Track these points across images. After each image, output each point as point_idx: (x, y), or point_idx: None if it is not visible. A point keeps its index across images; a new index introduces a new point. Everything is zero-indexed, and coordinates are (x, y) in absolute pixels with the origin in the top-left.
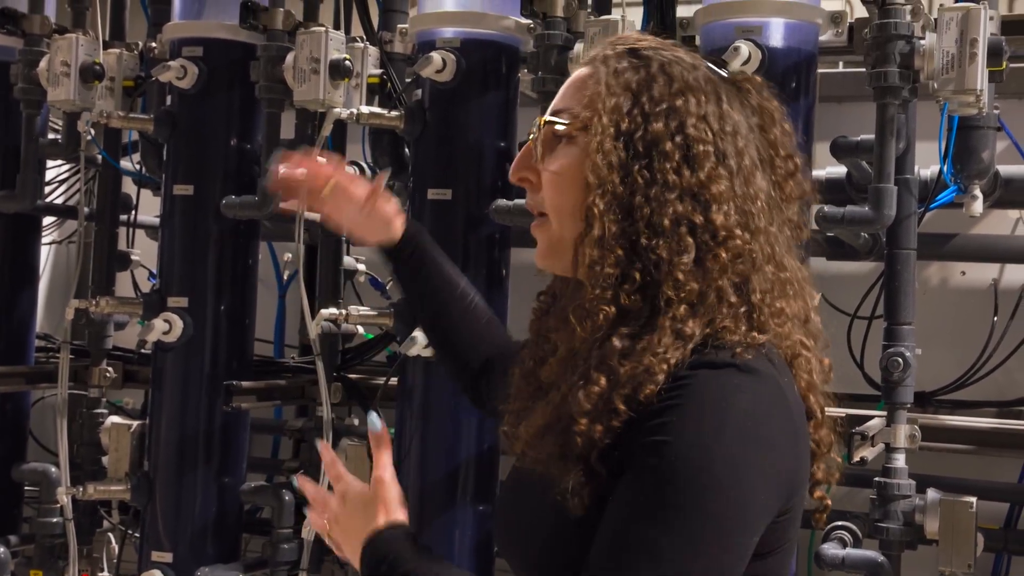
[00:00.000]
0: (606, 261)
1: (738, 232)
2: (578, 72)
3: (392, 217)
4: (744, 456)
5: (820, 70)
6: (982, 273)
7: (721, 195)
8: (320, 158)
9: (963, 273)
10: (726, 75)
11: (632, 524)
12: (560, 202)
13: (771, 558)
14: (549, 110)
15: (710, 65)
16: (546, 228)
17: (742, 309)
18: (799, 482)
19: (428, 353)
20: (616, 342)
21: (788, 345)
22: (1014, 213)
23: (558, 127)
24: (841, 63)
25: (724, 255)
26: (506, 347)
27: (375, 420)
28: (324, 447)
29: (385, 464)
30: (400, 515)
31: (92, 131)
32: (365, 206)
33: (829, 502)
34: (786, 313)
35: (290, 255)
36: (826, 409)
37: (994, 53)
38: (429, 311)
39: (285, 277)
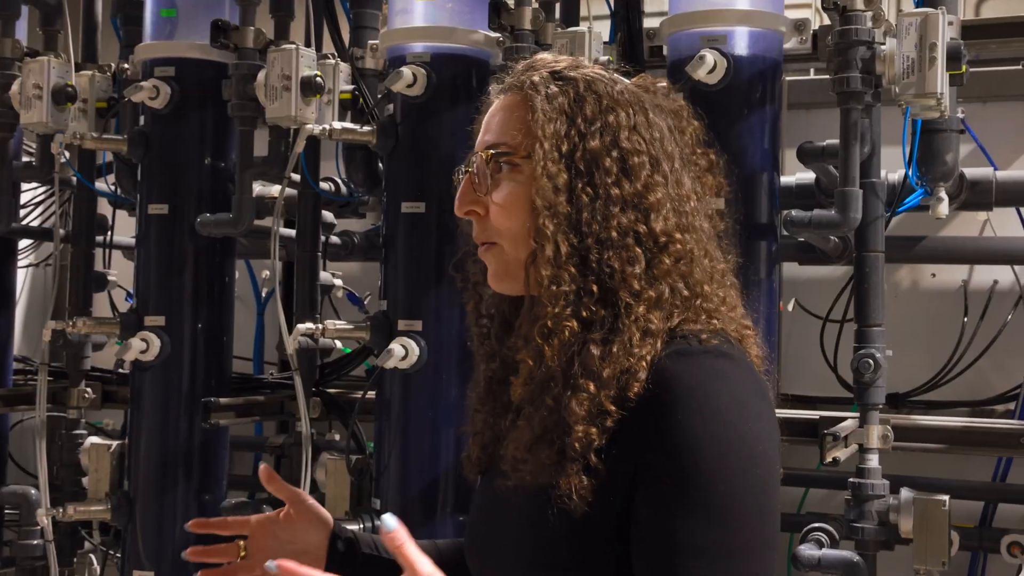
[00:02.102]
0: (561, 279)
1: (677, 235)
2: (504, 101)
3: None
4: (749, 432)
5: (789, 77)
6: (952, 275)
7: (659, 202)
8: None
9: (933, 275)
10: (631, 81)
11: (677, 530)
12: (511, 227)
13: None
14: (485, 144)
15: (616, 76)
16: (496, 252)
17: (697, 302)
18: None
19: (405, 365)
20: (594, 349)
21: (734, 329)
22: (982, 215)
23: (503, 158)
24: (812, 70)
25: (667, 259)
26: None
27: (389, 522)
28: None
29: (415, 559)
30: None
31: (66, 153)
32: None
33: None
34: (728, 302)
35: (268, 272)
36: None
37: (953, 57)
38: None
39: (263, 294)
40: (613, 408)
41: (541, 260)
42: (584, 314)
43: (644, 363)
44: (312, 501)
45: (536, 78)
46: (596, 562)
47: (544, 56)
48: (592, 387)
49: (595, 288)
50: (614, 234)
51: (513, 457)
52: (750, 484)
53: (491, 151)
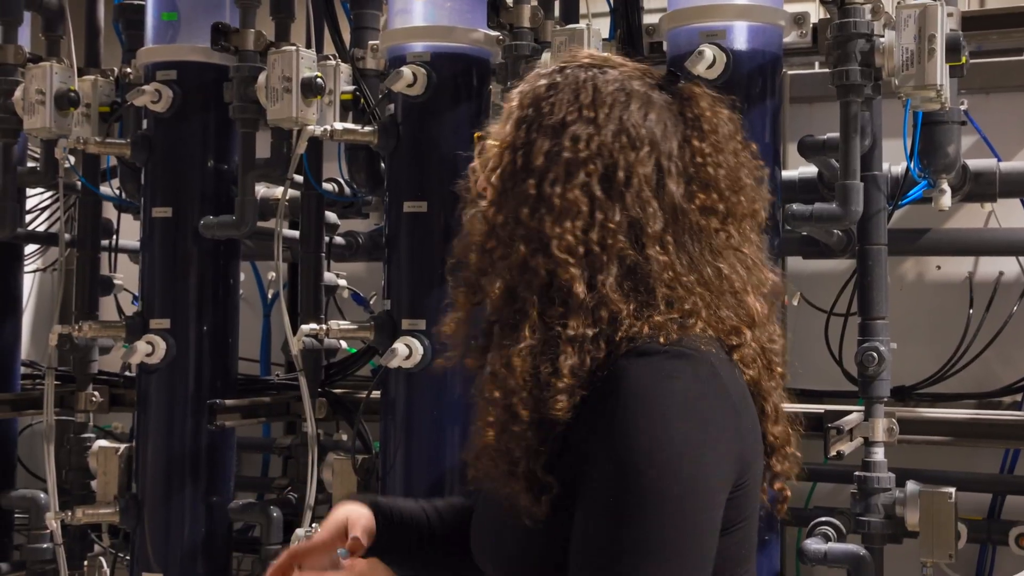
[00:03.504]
0: (494, 279)
1: (569, 238)
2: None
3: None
4: (691, 437)
5: (791, 72)
6: (957, 267)
7: (570, 204)
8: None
9: (938, 267)
10: (670, 88)
11: (603, 527)
12: None
13: (735, 533)
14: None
15: (668, 76)
16: None
17: (631, 307)
18: (747, 459)
19: (410, 364)
20: (500, 357)
21: (725, 330)
22: (986, 206)
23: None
24: (817, 64)
25: (551, 262)
26: None
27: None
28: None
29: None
30: None
31: (70, 158)
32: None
33: (788, 493)
34: (710, 302)
35: (273, 274)
36: (783, 406)
37: (952, 48)
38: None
39: (269, 296)
40: (524, 413)
41: (488, 255)
42: (512, 315)
43: (562, 372)
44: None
45: (541, 69)
46: (560, 563)
47: (580, 51)
48: (498, 394)
49: (520, 292)
50: (519, 231)
51: (472, 465)
52: (674, 489)
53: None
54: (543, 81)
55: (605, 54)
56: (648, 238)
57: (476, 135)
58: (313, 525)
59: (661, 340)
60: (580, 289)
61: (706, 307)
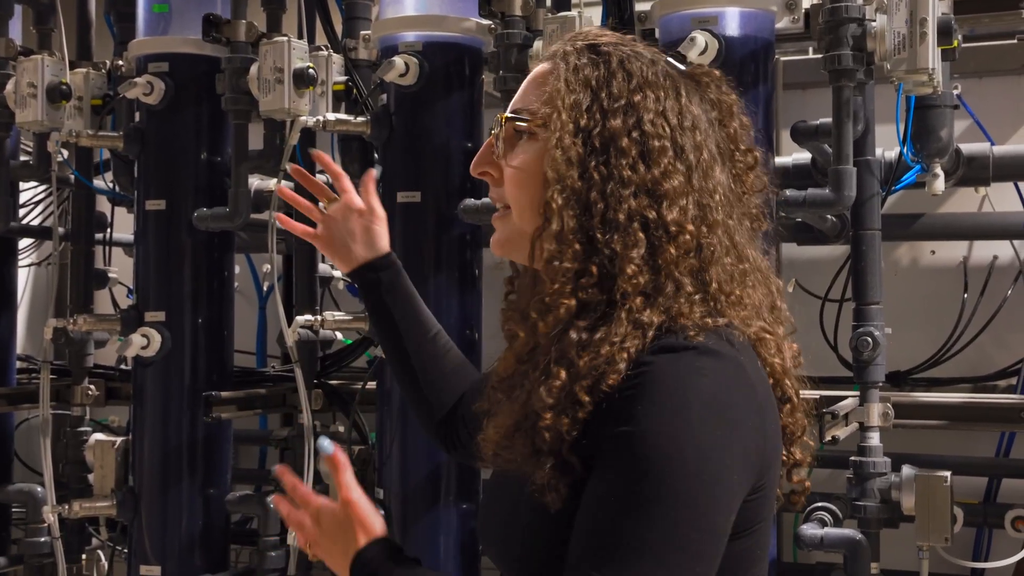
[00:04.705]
0: (564, 256)
1: (690, 227)
2: (538, 68)
3: (378, 238)
4: (711, 437)
5: (785, 58)
6: (951, 251)
7: (675, 191)
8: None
9: (933, 252)
10: (684, 69)
11: (609, 517)
12: (520, 197)
13: (747, 538)
14: (510, 107)
15: (669, 60)
16: (507, 220)
17: (697, 296)
18: (769, 460)
19: None
20: (573, 335)
21: (752, 331)
22: (980, 190)
23: (519, 124)
24: (810, 50)
25: (673, 250)
26: (478, 386)
27: (325, 444)
28: (282, 471)
29: (348, 484)
30: (377, 529)
31: (63, 151)
32: (360, 220)
33: (809, 484)
34: (745, 302)
35: (268, 266)
36: (801, 392)
37: (944, 32)
38: (401, 349)
39: (264, 288)
40: (587, 399)
41: (546, 234)
42: (582, 295)
43: (625, 354)
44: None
45: (569, 48)
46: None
47: (591, 29)
48: (564, 374)
49: (595, 269)
50: (621, 217)
51: (493, 441)
52: (689, 490)
53: (508, 115)
54: (584, 60)
55: (616, 34)
56: (712, 224)
57: (500, 115)
58: None
59: (691, 334)
60: (685, 278)
61: (747, 296)
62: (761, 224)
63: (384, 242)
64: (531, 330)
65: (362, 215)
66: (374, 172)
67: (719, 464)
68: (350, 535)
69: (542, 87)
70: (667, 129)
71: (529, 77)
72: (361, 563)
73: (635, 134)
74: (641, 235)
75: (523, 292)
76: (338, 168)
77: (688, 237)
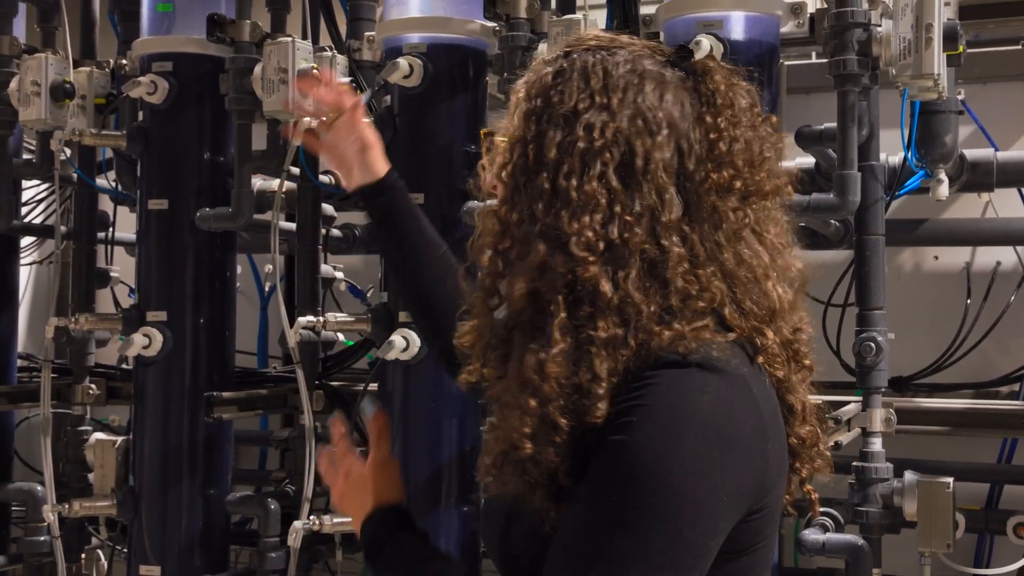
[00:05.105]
0: (516, 279)
1: (589, 234)
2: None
3: (375, 159)
4: (706, 457)
5: (788, 62)
6: (954, 257)
7: (588, 197)
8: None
9: (936, 258)
10: (679, 62)
11: (588, 526)
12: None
13: (747, 557)
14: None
15: (678, 54)
16: None
17: (651, 308)
18: (771, 480)
19: (407, 357)
20: (530, 359)
21: (750, 340)
22: (984, 196)
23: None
24: (814, 54)
25: (570, 260)
26: None
27: (369, 407)
28: (334, 421)
29: (381, 448)
30: (394, 497)
31: (66, 150)
32: (355, 142)
33: (816, 496)
34: (712, 308)
35: (270, 267)
36: (811, 407)
37: (950, 37)
38: (407, 265)
39: (266, 289)
40: (563, 422)
41: (503, 256)
42: (535, 318)
43: (600, 376)
44: None
45: (549, 56)
46: None
47: (586, 33)
48: (533, 403)
49: (544, 293)
50: (536, 228)
51: (484, 471)
52: (670, 506)
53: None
54: (549, 69)
55: (611, 34)
56: (664, 228)
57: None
58: (311, 518)
59: (681, 349)
60: (606, 287)
61: (727, 300)
62: (748, 221)
63: (379, 166)
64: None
65: (357, 139)
66: (361, 98)
67: (707, 484)
68: (368, 497)
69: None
70: (607, 133)
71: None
72: (370, 524)
73: (567, 141)
74: (541, 247)
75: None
76: (342, 84)
77: (583, 243)
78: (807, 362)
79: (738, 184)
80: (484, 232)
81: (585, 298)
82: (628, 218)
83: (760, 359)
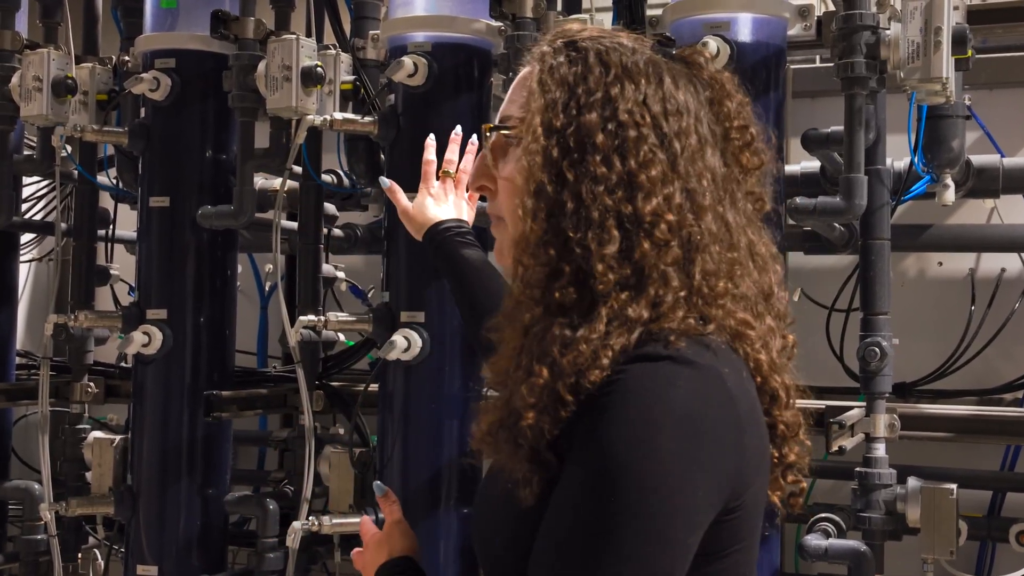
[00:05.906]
0: (536, 260)
1: (670, 217)
2: (521, 73)
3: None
4: (679, 452)
5: (794, 65)
6: (959, 263)
7: (653, 180)
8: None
9: (940, 264)
10: (674, 53)
11: (567, 526)
12: (510, 205)
13: (727, 559)
14: (498, 115)
15: (658, 44)
16: (502, 229)
17: (682, 293)
18: (748, 476)
19: (408, 357)
20: (556, 331)
21: (732, 325)
22: (989, 202)
23: (503, 132)
24: (818, 58)
25: (648, 244)
26: None
27: (377, 490)
28: (383, 499)
29: (394, 513)
30: (407, 551)
31: (67, 146)
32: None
33: (804, 485)
34: (734, 293)
35: (271, 266)
36: (793, 389)
37: (959, 41)
38: (465, 301)
39: (267, 288)
40: (570, 397)
41: (518, 240)
42: (556, 296)
43: (610, 352)
44: None
45: (547, 48)
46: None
47: (571, 26)
48: (546, 374)
49: (567, 270)
50: (595, 215)
51: (478, 438)
52: (644, 502)
53: (491, 125)
54: (561, 59)
55: (599, 27)
56: (700, 210)
57: (485, 127)
58: (310, 518)
59: (672, 340)
60: (670, 269)
61: (735, 287)
62: (764, 205)
63: (436, 214)
64: (511, 333)
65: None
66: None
67: (681, 479)
68: (382, 555)
69: (522, 91)
70: (647, 117)
71: (514, 82)
72: (383, 570)
73: (611, 126)
74: (615, 232)
75: (508, 297)
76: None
77: (665, 227)
78: (791, 337)
79: (749, 168)
80: (523, 238)
81: (635, 279)
82: (676, 201)
83: (747, 346)
